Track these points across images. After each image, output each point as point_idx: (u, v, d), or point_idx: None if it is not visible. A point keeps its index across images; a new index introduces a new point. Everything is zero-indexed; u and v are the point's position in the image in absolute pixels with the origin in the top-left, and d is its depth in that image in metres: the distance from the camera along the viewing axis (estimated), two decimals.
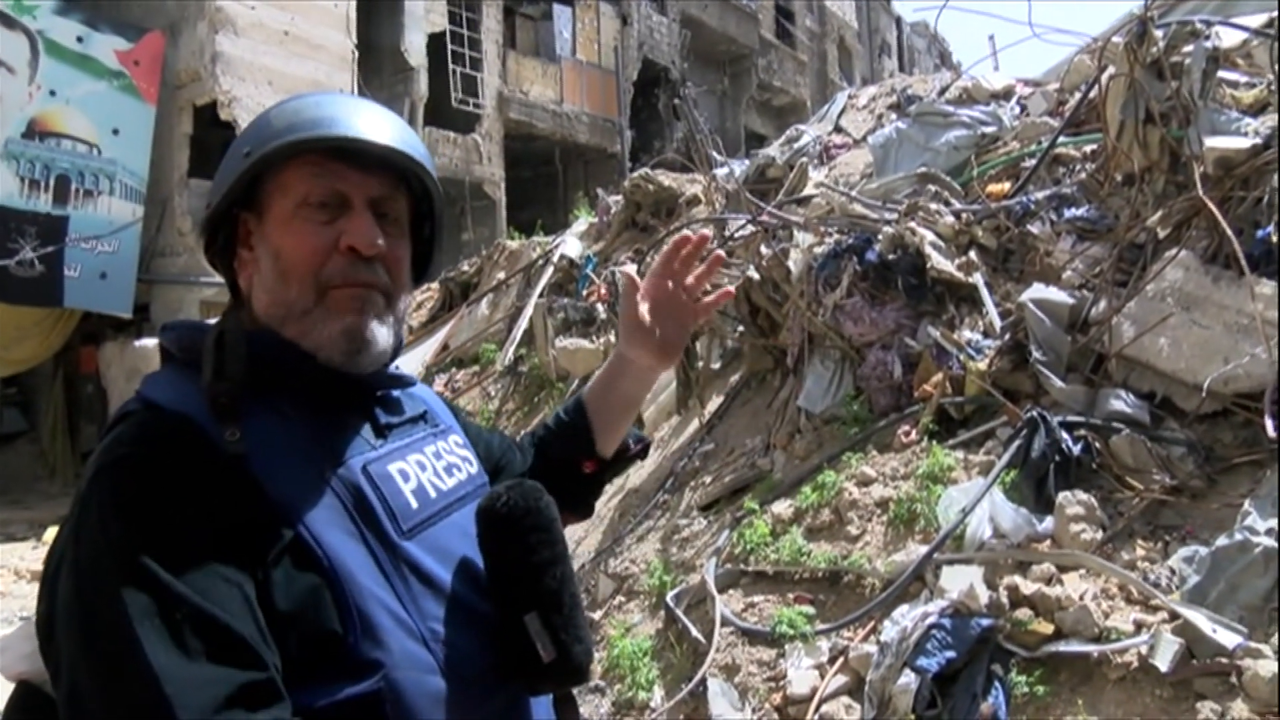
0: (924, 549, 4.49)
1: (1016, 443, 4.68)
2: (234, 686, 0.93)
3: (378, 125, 1.19)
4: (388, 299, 1.21)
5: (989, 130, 7.10)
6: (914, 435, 5.31)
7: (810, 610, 4.63)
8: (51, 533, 10.95)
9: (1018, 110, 7.43)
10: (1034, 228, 5.74)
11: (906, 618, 4.14)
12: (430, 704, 1.06)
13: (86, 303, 14.40)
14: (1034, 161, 6.33)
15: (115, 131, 14.50)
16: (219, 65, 14.90)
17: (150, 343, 13.73)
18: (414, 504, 1.17)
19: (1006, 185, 6.40)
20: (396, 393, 1.30)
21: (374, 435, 1.20)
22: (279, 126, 1.18)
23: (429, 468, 1.23)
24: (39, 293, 13.94)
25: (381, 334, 1.19)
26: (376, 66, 17.96)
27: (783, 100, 27.87)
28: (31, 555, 10.43)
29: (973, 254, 5.81)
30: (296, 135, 1.16)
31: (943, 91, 8.43)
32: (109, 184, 14.42)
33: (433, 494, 1.21)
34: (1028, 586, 4.01)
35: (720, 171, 9.47)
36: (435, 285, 13.20)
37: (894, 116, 8.29)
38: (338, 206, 1.17)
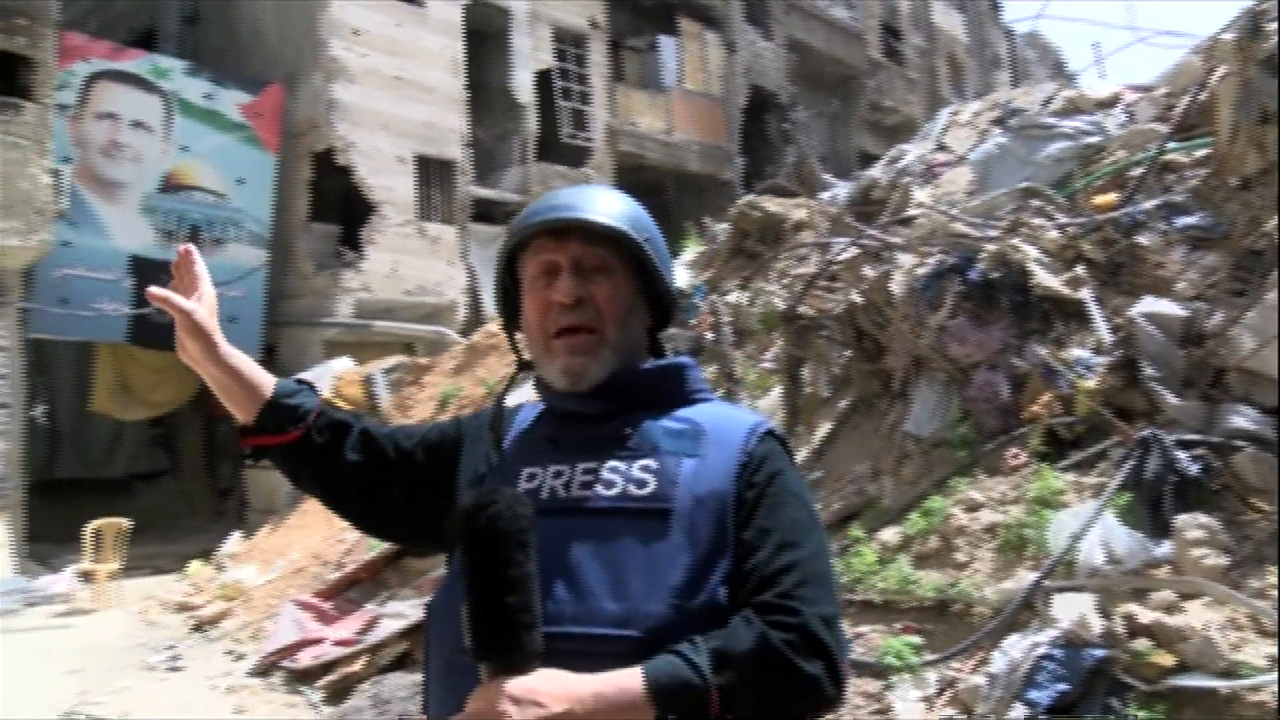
0: (1034, 576, 4.36)
1: (1129, 463, 4.53)
2: None
3: (573, 203, 1.52)
4: (599, 334, 1.49)
5: (1093, 140, 6.87)
6: (1023, 458, 5.18)
7: (918, 640, 4.55)
8: (194, 566, 11.48)
9: (1125, 118, 7.18)
10: (1144, 239, 5.54)
11: (1016, 648, 4.04)
12: None
13: None
14: (1142, 170, 6.11)
15: (240, 181, 15.16)
16: (335, 113, 15.45)
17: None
18: None
19: (1113, 196, 6.19)
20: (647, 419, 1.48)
21: (548, 445, 1.50)
22: (516, 226, 1.55)
23: (566, 476, 1.44)
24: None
25: (593, 365, 1.48)
26: (487, 105, 18.38)
27: (894, 119, 27.44)
28: (176, 587, 10.89)
29: (1080, 269, 5.64)
30: (516, 236, 1.54)
31: (1047, 103, 8.20)
32: (236, 231, 15.13)
33: (544, 494, 1.43)
34: (1145, 615, 3.87)
35: (824, 195, 9.39)
36: None
37: (997, 131, 8.11)
38: (551, 273, 1.50)
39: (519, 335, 1.61)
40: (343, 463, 1.66)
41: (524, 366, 1.61)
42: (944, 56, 30.58)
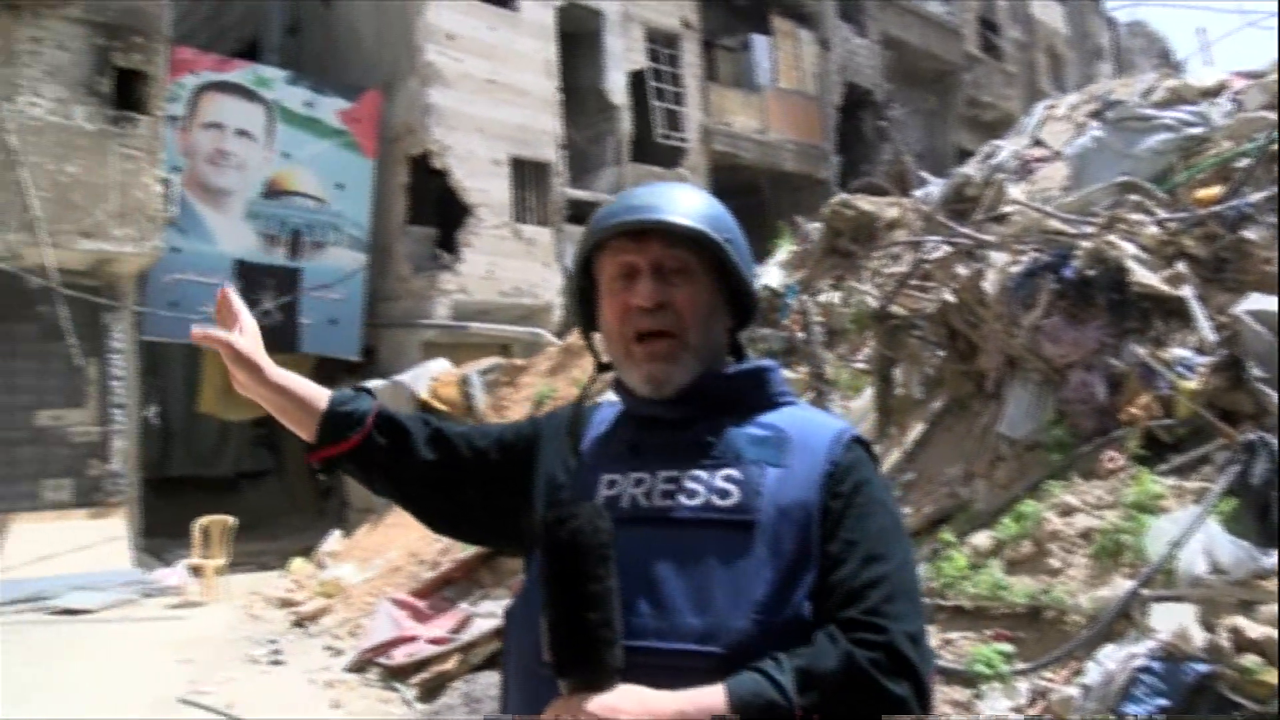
0: (1131, 584, 4.22)
1: (1234, 468, 4.35)
2: None
3: (653, 203, 1.48)
4: (680, 338, 1.46)
5: (1196, 131, 6.59)
6: (1120, 461, 5.02)
7: (1009, 648, 4.45)
8: (297, 563, 11.80)
9: (1231, 107, 6.86)
10: (1251, 233, 5.31)
11: (1112, 659, 3.92)
12: None
13: (320, 348, 15.48)
14: (1249, 161, 5.85)
15: (340, 186, 15.55)
16: (431, 117, 15.71)
17: (378, 383, 14.63)
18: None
19: (1218, 189, 5.93)
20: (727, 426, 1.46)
21: (628, 451, 1.48)
22: (593, 227, 1.52)
23: (647, 484, 1.42)
24: (279, 340, 15.06)
25: (676, 371, 1.45)
26: (581, 107, 18.45)
27: (992, 115, 26.75)
28: (278, 583, 11.22)
29: (1180, 265, 5.44)
30: (593, 237, 1.52)
31: (1147, 94, 7.89)
32: (335, 235, 15.54)
33: (625, 503, 1.41)
34: (1254, 630, 3.71)
35: (918, 193, 9.22)
36: None
37: (1094, 124, 7.83)
38: (630, 276, 1.47)
39: (596, 336, 1.59)
40: (414, 462, 1.65)
41: (603, 369, 1.59)
42: (1043, 49, 29.73)
